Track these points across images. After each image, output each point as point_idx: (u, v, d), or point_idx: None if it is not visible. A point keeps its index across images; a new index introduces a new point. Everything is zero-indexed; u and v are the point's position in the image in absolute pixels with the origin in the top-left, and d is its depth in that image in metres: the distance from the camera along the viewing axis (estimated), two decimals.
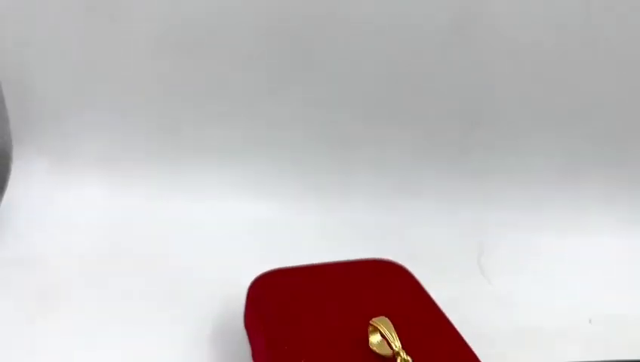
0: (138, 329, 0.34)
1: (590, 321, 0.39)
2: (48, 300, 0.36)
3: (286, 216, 0.44)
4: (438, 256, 0.43)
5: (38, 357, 0.32)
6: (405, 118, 0.45)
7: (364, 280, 0.34)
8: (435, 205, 0.46)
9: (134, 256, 0.40)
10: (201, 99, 0.44)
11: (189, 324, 0.35)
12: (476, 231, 0.44)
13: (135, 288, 0.38)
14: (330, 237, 0.43)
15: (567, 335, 0.37)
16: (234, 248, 0.41)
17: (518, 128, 0.45)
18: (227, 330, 0.35)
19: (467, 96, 0.44)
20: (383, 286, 0.33)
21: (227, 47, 0.43)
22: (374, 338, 0.29)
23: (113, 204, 0.44)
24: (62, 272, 0.39)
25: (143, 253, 0.41)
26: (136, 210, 0.44)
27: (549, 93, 0.44)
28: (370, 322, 0.29)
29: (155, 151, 0.45)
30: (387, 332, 0.28)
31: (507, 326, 0.37)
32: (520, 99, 0.44)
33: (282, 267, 0.34)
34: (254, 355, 0.31)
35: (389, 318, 0.29)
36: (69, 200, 0.44)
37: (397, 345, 0.27)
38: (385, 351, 0.28)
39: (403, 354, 0.27)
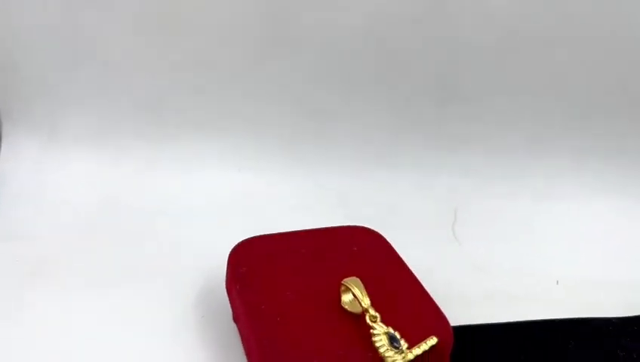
0: (125, 297, 0.36)
1: (557, 283, 0.40)
2: (37, 273, 0.37)
3: (266, 186, 0.45)
4: (414, 224, 0.44)
5: (28, 328, 0.33)
6: (382, 91, 0.46)
7: (339, 245, 0.35)
8: (411, 175, 0.47)
9: (121, 228, 0.42)
10: (183, 75, 0.45)
11: (175, 291, 0.36)
12: (450, 199, 0.46)
13: (122, 258, 0.39)
14: (309, 206, 0.44)
15: (535, 297, 0.39)
16: (217, 218, 0.43)
17: (490, 100, 0.46)
18: (211, 295, 0.36)
19: (441, 70, 0.45)
20: (358, 251, 0.35)
21: (207, 24, 0.44)
22: (346, 297, 0.31)
23: (100, 178, 0.45)
24: (51, 246, 0.40)
25: (129, 225, 0.42)
26: (122, 184, 0.45)
27: (520, 66, 0.45)
28: (342, 282, 0.30)
29: (140, 126, 0.46)
30: (357, 291, 0.30)
31: (478, 288, 0.39)
32: (492, 73, 0.45)
33: (261, 234, 0.36)
34: (235, 317, 0.33)
35: (360, 279, 0.31)
36: (57, 175, 0.45)
37: (366, 302, 0.29)
38: (355, 308, 0.30)
39: (371, 311, 0.29)
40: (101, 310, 0.35)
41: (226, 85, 0.46)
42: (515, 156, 0.47)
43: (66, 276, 0.37)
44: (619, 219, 0.46)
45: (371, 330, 0.28)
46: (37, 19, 0.44)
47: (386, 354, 0.27)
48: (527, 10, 0.44)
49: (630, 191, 0.47)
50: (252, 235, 0.36)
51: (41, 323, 0.34)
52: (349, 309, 0.30)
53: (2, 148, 0.42)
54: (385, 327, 0.28)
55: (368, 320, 0.29)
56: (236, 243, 0.35)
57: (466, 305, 0.36)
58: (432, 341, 0.28)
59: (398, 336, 0.28)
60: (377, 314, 0.29)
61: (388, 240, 0.37)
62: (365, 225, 0.37)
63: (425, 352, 0.28)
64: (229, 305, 0.34)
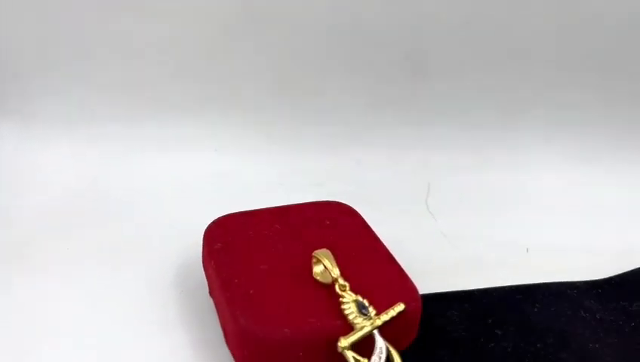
0: (104, 276, 0.36)
1: (527, 250, 0.42)
2: (17, 255, 0.38)
3: (241, 166, 0.46)
4: (388, 198, 0.45)
5: (8, 311, 0.34)
6: (355, 68, 0.47)
7: (312, 220, 0.36)
8: (384, 150, 0.48)
9: (99, 210, 0.42)
10: (157, 56, 0.46)
11: (153, 269, 0.37)
12: (423, 174, 0.47)
13: (101, 240, 0.40)
14: (284, 184, 0.45)
15: (505, 264, 0.40)
16: (194, 198, 0.44)
17: (460, 74, 0.47)
18: (188, 272, 0.37)
19: (412, 46, 0.46)
20: (330, 225, 0.36)
21: (180, 3, 0.44)
22: (317, 268, 0.31)
23: (77, 161, 0.46)
24: (29, 229, 0.40)
25: (107, 207, 0.43)
26: (99, 167, 0.45)
27: (488, 41, 0.46)
28: (313, 254, 0.31)
29: (115, 108, 0.46)
30: (327, 261, 0.31)
31: (450, 258, 0.40)
32: (461, 48, 0.46)
33: (237, 211, 0.37)
34: (211, 292, 0.33)
35: (332, 252, 0.32)
36: (34, 160, 0.45)
37: (335, 272, 0.30)
38: (326, 279, 0.31)
39: (340, 280, 0.30)
40: (80, 290, 0.35)
41: (200, 65, 0.46)
42: (486, 129, 0.48)
43: (44, 258, 0.38)
44: (586, 189, 0.47)
45: (340, 299, 0.29)
46: (7, 6, 0.44)
47: (355, 321, 0.28)
48: None
49: (597, 161, 0.48)
50: (228, 213, 0.37)
51: (20, 305, 0.34)
52: (320, 280, 0.31)
53: None
54: (353, 295, 0.29)
55: (338, 289, 0.30)
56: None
57: (438, 274, 0.37)
58: (400, 307, 0.29)
59: (366, 304, 0.29)
60: (346, 284, 0.30)
61: (362, 215, 0.37)
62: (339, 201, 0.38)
63: (392, 318, 0.29)
64: (205, 281, 0.35)
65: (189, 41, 0.46)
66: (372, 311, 0.29)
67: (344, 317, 0.29)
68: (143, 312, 0.34)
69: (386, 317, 0.29)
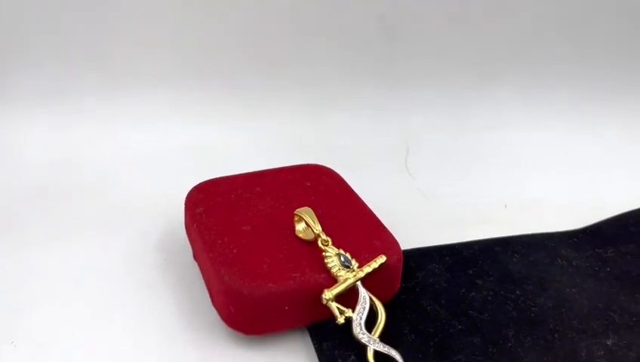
0: (87, 248, 0.36)
1: (506, 206, 0.42)
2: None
3: (220, 135, 0.46)
4: (368, 161, 0.46)
5: None
6: (331, 33, 0.47)
7: (293, 182, 0.37)
8: (363, 114, 0.48)
9: (79, 183, 0.42)
10: (131, 28, 0.45)
11: (136, 237, 0.37)
12: (402, 135, 0.47)
13: (81, 212, 0.39)
14: (264, 152, 0.45)
15: (484, 220, 0.40)
16: (173, 168, 0.43)
17: (435, 37, 0.47)
18: (171, 239, 0.37)
19: (386, 9, 0.46)
20: (311, 186, 0.36)
21: None
22: (300, 226, 0.32)
23: (54, 136, 0.45)
24: (8, 205, 0.40)
25: (86, 180, 0.42)
26: (76, 140, 0.45)
27: (462, 2, 0.46)
28: (295, 212, 0.32)
29: (89, 82, 0.46)
30: (309, 218, 0.31)
31: (429, 216, 0.41)
32: (436, 10, 0.46)
33: (217, 177, 0.37)
34: (195, 255, 0.34)
35: (314, 211, 0.32)
36: (10, 136, 0.45)
37: (317, 228, 0.31)
38: (309, 235, 0.31)
39: (323, 235, 0.30)
40: (64, 261, 0.35)
41: (173, 35, 0.46)
42: (462, 90, 0.48)
43: (25, 233, 0.37)
44: (560, 145, 0.48)
45: (323, 253, 0.30)
46: None
47: (338, 274, 0.29)
48: None
49: (572, 118, 0.49)
50: (208, 179, 0.37)
51: (4, 277, 0.34)
52: (302, 237, 0.32)
53: None
54: (336, 249, 0.30)
55: (320, 244, 0.30)
56: None
57: (418, 231, 0.38)
58: (381, 259, 0.30)
59: (349, 257, 0.30)
60: (329, 239, 0.30)
61: (343, 177, 0.38)
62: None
63: (375, 270, 0.30)
64: (189, 247, 0.35)
65: (162, 12, 0.46)
66: (355, 263, 0.29)
67: (327, 271, 0.29)
68: (128, 279, 0.34)
69: (368, 269, 0.29)
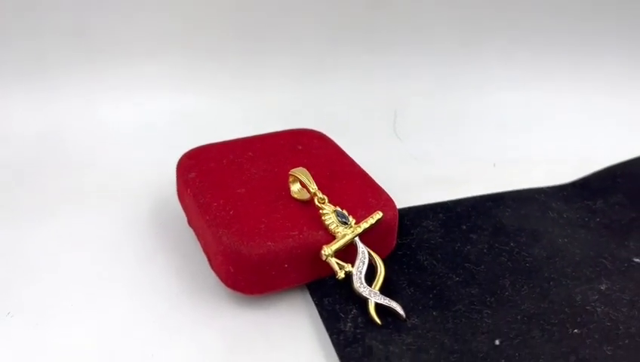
0: (78, 221, 0.36)
1: (495, 165, 0.43)
2: None
3: (205, 104, 0.45)
4: (355, 127, 0.46)
5: None
6: (315, 2, 0.46)
7: (285, 146, 0.36)
8: (350, 81, 0.48)
9: (66, 157, 0.41)
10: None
11: (127, 208, 0.37)
12: (390, 100, 0.47)
13: (70, 185, 0.39)
14: (251, 121, 0.45)
15: (474, 179, 0.41)
16: (161, 139, 0.43)
17: (419, 1, 0.47)
18: (164, 207, 0.37)
19: None
20: (303, 149, 0.36)
21: None
22: (295, 187, 0.32)
23: (37, 111, 0.44)
24: None
25: (73, 153, 0.42)
26: (60, 115, 0.44)
27: None
28: (290, 172, 0.32)
29: (70, 56, 0.45)
30: (304, 177, 0.31)
31: (418, 176, 0.41)
32: None
33: (209, 143, 0.37)
34: (190, 220, 0.34)
35: (308, 170, 0.32)
36: None
37: (313, 187, 0.31)
38: (304, 195, 0.31)
39: (319, 193, 0.30)
40: (56, 235, 0.35)
41: (155, 6, 0.45)
42: (448, 53, 0.48)
43: (14, 208, 0.37)
44: (546, 104, 0.48)
45: (320, 211, 0.30)
46: None
47: (336, 230, 0.29)
48: None
49: (557, 77, 0.50)
50: (199, 145, 0.36)
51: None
52: (298, 198, 0.31)
53: None
54: (333, 206, 0.30)
55: (317, 202, 0.30)
56: None
57: (409, 192, 0.38)
58: (378, 215, 0.30)
59: (346, 213, 0.30)
60: (325, 196, 0.30)
61: (331, 138, 0.38)
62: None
63: (372, 226, 0.30)
64: (182, 213, 0.35)
65: None
66: (352, 219, 0.30)
67: (325, 228, 0.29)
68: (123, 249, 0.34)
69: (365, 224, 0.30)
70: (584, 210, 0.36)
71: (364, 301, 0.28)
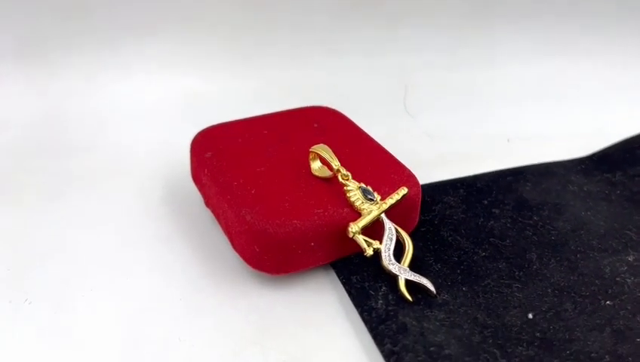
0: (90, 203, 0.35)
1: (508, 140, 0.42)
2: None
3: (214, 84, 0.44)
4: (366, 103, 0.45)
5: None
6: None
7: (300, 123, 0.36)
8: (359, 57, 0.47)
9: (72, 139, 0.40)
10: None
11: (139, 189, 0.36)
12: (400, 76, 0.47)
13: (78, 168, 0.38)
14: (260, 99, 0.44)
15: (489, 155, 0.40)
16: (169, 119, 0.42)
17: None
18: (177, 188, 0.36)
19: None
20: (319, 127, 0.35)
21: None
22: (315, 165, 0.31)
23: (40, 94, 0.43)
24: (1, 165, 0.38)
25: (79, 135, 0.41)
26: (63, 97, 0.43)
27: None
28: (310, 150, 0.31)
29: (71, 36, 0.43)
30: (327, 154, 0.30)
31: (432, 153, 0.40)
32: None
33: (222, 122, 0.36)
34: (207, 201, 0.33)
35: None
36: None
37: (336, 163, 0.30)
38: (325, 173, 0.31)
39: (343, 170, 0.30)
40: (69, 220, 0.34)
41: None
42: (457, 28, 0.48)
43: (23, 193, 0.36)
44: (557, 77, 0.48)
45: (345, 188, 0.29)
46: None
47: (362, 207, 0.28)
48: None
49: (569, 50, 0.49)
50: (212, 125, 0.35)
51: (7, 240, 0.32)
52: (319, 175, 0.31)
53: None
54: (357, 183, 0.29)
55: (341, 179, 0.29)
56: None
57: (424, 169, 0.37)
58: (403, 191, 0.29)
59: (371, 190, 0.29)
60: (349, 173, 0.30)
61: (345, 114, 0.37)
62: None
63: (397, 201, 0.29)
64: (197, 194, 0.34)
65: None
66: (377, 196, 0.29)
67: (350, 205, 0.29)
68: (138, 232, 0.33)
69: (391, 200, 0.29)
70: (604, 182, 0.36)
71: (393, 278, 0.28)
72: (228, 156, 0.32)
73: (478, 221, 0.32)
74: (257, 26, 0.46)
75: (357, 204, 0.29)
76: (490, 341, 0.25)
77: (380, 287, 0.28)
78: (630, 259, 0.30)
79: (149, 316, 0.28)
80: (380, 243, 0.28)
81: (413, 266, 0.28)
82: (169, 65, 0.45)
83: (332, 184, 0.30)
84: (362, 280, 0.28)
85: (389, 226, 0.28)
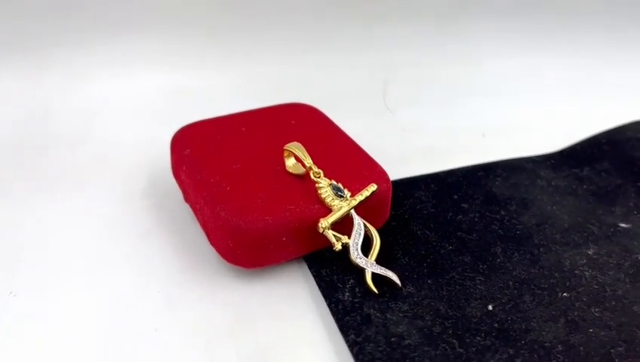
0: (72, 199, 0.36)
1: (483, 135, 0.44)
2: None
3: (198, 79, 0.45)
4: (346, 99, 0.46)
5: None
6: None
7: (278, 120, 0.37)
8: (340, 53, 0.48)
9: (57, 136, 0.41)
10: None
11: (121, 186, 0.37)
12: (379, 72, 0.48)
13: (62, 164, 0.39)
14: (243, 95, 0.45)
15: (464, 150, 0.41)
16: (153, 115, 0.43)
17: None
18: (158, 184, 0.37)
19: None
20: (296, 124, 0.37)
21: None
22: (289, 162, 0.32)
23: (27, 91, 0.44)
24: None
25: (64, 132, 0.42)
26: (50, 94, 0.44)
27: None
28: (284, 148, 0.32)
29: (57, 34, 0.44)
30: (299, 152, 0.31)
31: (410, 148, 0.42)
32: None
33: (202, 119, 0.37)
34: (186, 197, 0.34)
35: (302, 145, 0.32)
36: None
37: (308, 161, 0.31)
38: (299, 170, 0.32)
39: (314, 168, 0.31)
40: (51, 214, 0.35)
41: None
42: (435, 25, 0.49)
43: (8, 187, 0.37)
44: (532, 74, 0.49)
45: (316, 184, 0.30)
46: None
47: (332, 203, 0.30)
48: None
49: (544, 47, 0.50)
50: (192, 122, 0.36)
51: None
52: (293, 172, 0.32)
53: None
54: (328, 180, 0.30)
55: (312, 176, 0.31)
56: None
57: (400, 163, 0.39)
58: (373, 187, 0.31)
59: (341, 186, 0.30)
60: (320, 171, 0.31)
61: (323, 111, 0.38)
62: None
63: (367, 198, 0.30)
64: (178, 189, 0.35)
65: None
66: (347, 192, 0.30)
67: (321, 202, 0.30)
68: (119, 226, 0.34)
69: (360, 197, 0.30)
70: (572, 177, 0.37)
71: (361, 271, 0.29)
72: (206, 153, 0.33)
73: (447, 215, 0.34)
74: (241, 23, 0.47)
75: (327, 200, 0.30)
76: (450, 331, 0.27)
77: (348, 280, 0.29)
78: (590, 252, 0.31)
79: (128, 308, 0.29)
80: (349, 238, 0.29)
81: (382, 260, 0.30)
82: (154, 63, 0.46)
83: (305, 181, 0.31)
84: (332, 273, 0.29)
85: (358, 222, 0.30)
